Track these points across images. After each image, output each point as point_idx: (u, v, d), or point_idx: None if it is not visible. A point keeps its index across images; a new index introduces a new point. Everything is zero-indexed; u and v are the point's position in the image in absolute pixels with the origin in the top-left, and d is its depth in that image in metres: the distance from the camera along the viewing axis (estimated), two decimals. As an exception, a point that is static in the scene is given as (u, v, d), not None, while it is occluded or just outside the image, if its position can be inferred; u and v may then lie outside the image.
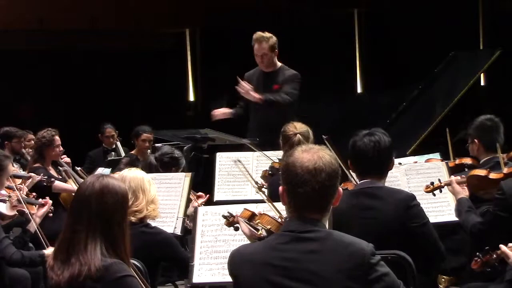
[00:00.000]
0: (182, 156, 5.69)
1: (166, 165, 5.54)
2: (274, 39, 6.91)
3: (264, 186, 5.40)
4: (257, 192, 5.36)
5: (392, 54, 11.52)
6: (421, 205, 4.01)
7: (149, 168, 5.32)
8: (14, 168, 6.21)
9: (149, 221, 4.15)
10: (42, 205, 5.08)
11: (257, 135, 6.78)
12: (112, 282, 3.00)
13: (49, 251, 4.92)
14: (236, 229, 3.44)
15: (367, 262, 2.59)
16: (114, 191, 3.13)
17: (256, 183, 5.42)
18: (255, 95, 6.76)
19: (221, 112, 7.13)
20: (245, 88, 6.78)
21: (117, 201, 3.12)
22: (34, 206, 5.07)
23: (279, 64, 7.01)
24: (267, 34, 6.91)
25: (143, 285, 3.15)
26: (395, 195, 3.97)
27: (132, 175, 4.10)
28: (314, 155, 2.71)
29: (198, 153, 6.61)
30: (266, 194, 5.44)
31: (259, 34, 6.91)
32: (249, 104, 6.99)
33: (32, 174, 5.89)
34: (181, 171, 5.59)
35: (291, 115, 6.42)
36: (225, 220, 3.50)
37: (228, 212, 3.50)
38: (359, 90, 12.85)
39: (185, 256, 4.29)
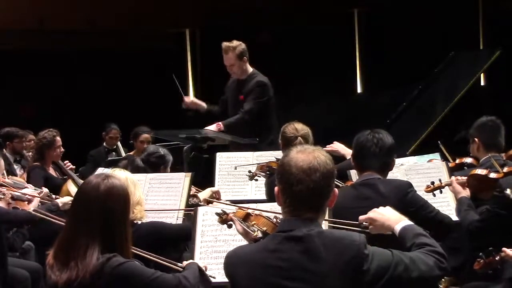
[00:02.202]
0: (168, 153, 5.57)
1: (154, 165, 5.39)
2: (241, 47, 6.75)
3: (257, 175, 5.42)
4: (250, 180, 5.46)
5: (392, 54, 11.52)
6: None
7: (137, 171, 5.21)
8: (18, 175, 6.22)
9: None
10: (30, 201, 5.09)
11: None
12: (110, 273, 3.03)
13: (64, 199, 5.02)
14: (230, 226, 3.42)
15: (362, 253, 2.61)
16: (118, 194, 3.13)
17: (250, 171, 5.46)
18: (213, 128, 6.62)
19: (191, 102, 7.04)
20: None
21: (120, 204, 3.13)
22: (25, 202, 5.08)
23: (250, 70, 6.89)
24: (233, 43, 6.76)
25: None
26: (392, 183, 4.10)
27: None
28: (309, 155, 2.73)
29: (198, 153, 6.60)
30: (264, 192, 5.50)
31: (225, 44, 6.79)
32: (227, 108, 6.97)
33: (44, 189, 5.74)
34: (170, 168, 5.55)
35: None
36: (218, 217, 3.48)
37: (222, 210, 3.48)
38: (359, 90, 12.85)
39: (180, 227, 4.36)
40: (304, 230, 2.65)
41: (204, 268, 3.50)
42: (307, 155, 2.72)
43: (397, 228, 2.88)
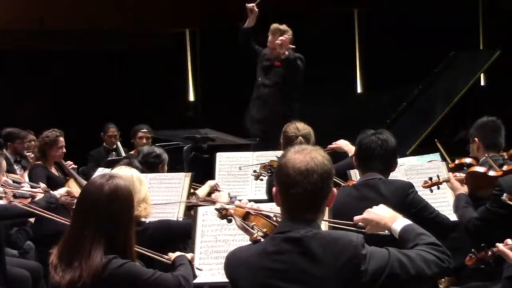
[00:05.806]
0: (163, 151, 5.56)
1: (152, 165, 5.39)
2: (289, 33, 6.88)
3: (263, 175, 5.42)
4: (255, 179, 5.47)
5: (392, 54, 11.51)
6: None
7: None
8: (18, 175, 6.20)
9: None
10: (33, 197, 5.09)
11: (257, 125, 6.82)
12: (111, 275, 3.04)
13: (60, 191, 4.98)
14: (229, 221, 3.41)
15: (359, 253, 2.58)
16: (122, 195, 3.12)
17: (255, 171, 5.47)
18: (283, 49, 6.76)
19: (253, 8, 7.21)
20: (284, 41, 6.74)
21: (124, 204, 3.13)
22: (27, 198, 5.09)
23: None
24: (283, 27, 6.87)
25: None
26: (393, 184, 4.09)
27: (122, 174, 4.06)
28: (307, 156, 2.68)
29: (198, 153, 6.61)
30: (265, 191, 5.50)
31: (275, 26, 6.88)
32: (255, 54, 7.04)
33: (42, 185, 5.71)
34: (170, 168, 5.54)
35: (293, 106, 6.52)
36: (217, 212, 3.46)
37: (221, 205, 3.48)
38: (359, 90, 12.85)
39: (181, 226, 4.35)
40: (302, 232, 2.63)
41: (191, 259, 3.51)
42: (305, 155, 2.68)
43: (396, 227, 2.82)
